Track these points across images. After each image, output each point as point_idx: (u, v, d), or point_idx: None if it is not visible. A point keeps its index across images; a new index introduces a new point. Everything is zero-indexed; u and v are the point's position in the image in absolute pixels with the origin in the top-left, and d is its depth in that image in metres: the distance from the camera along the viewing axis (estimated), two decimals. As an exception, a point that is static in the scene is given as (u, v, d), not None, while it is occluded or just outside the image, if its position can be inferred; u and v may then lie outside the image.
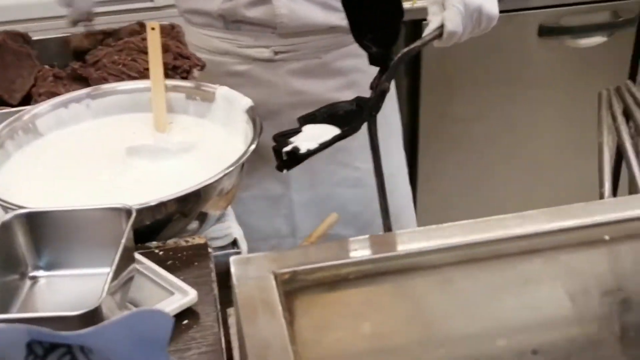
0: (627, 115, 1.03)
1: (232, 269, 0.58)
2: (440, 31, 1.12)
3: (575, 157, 2.48)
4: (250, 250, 1.15)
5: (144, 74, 1.12)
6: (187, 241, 0.81)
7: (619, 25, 2.26)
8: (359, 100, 1.04)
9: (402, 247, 0.53)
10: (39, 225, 0.70)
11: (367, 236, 0.63)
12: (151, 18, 1.97)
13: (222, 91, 1.02)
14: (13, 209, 0.78)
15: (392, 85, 1.45)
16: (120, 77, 1.12)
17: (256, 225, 1.38)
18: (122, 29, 1.28)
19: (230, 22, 1.31)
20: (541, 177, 2.48)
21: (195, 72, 1.13)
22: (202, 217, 0.88)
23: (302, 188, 1.38)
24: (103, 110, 1.05)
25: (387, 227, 1.18)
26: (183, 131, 1.02)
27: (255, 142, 0.89)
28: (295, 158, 0.91)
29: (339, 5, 1.33)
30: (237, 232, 0.92)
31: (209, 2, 1.31)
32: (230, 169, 0.85)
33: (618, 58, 2.31)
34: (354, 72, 1.36)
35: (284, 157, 0.91)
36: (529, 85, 2.32)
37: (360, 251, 0.53)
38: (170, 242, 0.81)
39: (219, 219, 0.93)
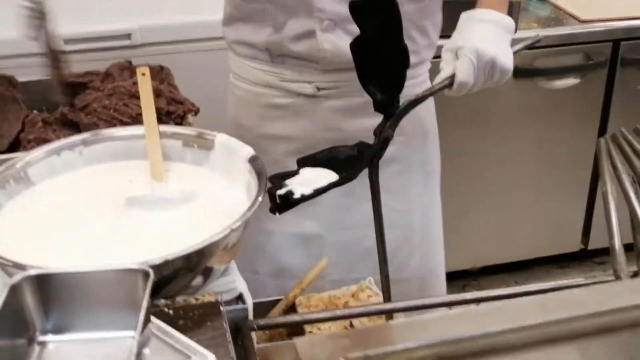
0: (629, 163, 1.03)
1: (301, 355, 0.54)
2: (451, 80, 1.12)
3: (547, 196, 2.51)
4: (278, 288, 1.13)
5: (137, 119, 1.10)
6: (197, 299, 0.78)
7: (591, 68, 2.31)
8: (360, 146, 1.03)
9: (481, 326, 0.50)
10: (48, 287, 0.66)
11: (438, 314, 0.61)
12: (130, 56, 1.94)
13: (222, 139, 0.99)
14: (7, 265, 0.75)
15: (435, 127, 1.46)
16: (111, 122, 1.09)
17: (287, 263, 1.37)
18: (111, 66, 1.26)
19: (276, 55, 1.34)
20: (514, 214, 2.50)
21: (190, 118, 1.11)
22: (207, 272, 0.85)
23: (335, 228, 1.38)
24: (96, 157, 1.02)
25: (385, 274, 1.17)
26: (181, 179, 0.99)
27: (262, 195, 0.86)
28: (288, 202, 0.90)
29: None
30: (241, 285, 0.90)
31: (257, 34, 1.34)
32: (238, 223, 0.82)
33: (590, 99, 2.35)
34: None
35: (277, 201, 0.90)
36: (503, 125, 2.34)
37: (433, 331, 0.50)
38: (180, 300, 0.78)
39: (223, 273, 0.90)
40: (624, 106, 2.40)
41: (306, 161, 0.98)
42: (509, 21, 1.18)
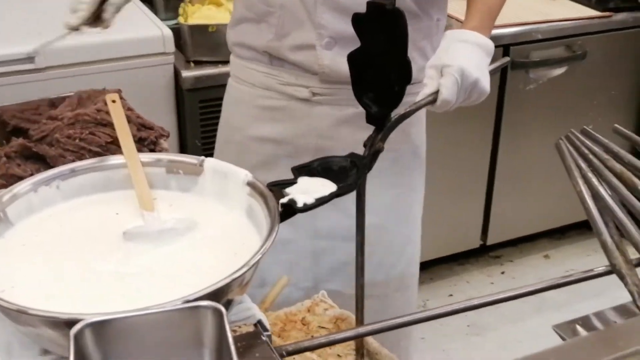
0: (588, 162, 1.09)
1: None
2: (434, 97, 1.14)
3: (447, 196, 2.60)
4: (250, 296, 1.09)
5: (106, 148, 1.04)
6: (234, 331, 0.76)
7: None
8: (353, 156, 1.03)
9: None
10: (109, 333, 0.62)
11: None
12: (34, 80, 1.85)
13: (211, 163, 0.97)
14: (21, 311, 0.70)
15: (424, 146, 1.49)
16: (79, 153, 1.03)
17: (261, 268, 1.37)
18: (56, 99, 1.19)
19: (275, 58, 1.36)
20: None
21: (164, 143, 1.07)
22: (228, 305, 0.82)
23: (308, 235, 1.38)
24: (75, 191, 0.96)
25: (360, 286, 1.18)
26: (172, 208, 0.95)
27: (277, 226, 0.84)
28: (292, 211, 0.89)
29: None
30: (257, 312, 0.87)
31: (258, 38, 1.37)
32: (258, 256, 0.80)
33: (484, 102, 2.46)
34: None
35: (280, 209, 0.88)
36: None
37: None
38: (221, 333, 0.75)
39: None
40: (515, 107, 2.54)
41: (301, 170, 0.97)
42: (491, 45, 1.23)
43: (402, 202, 1.49)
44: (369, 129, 1.35)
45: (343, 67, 1.30)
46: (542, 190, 2.75)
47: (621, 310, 1.06)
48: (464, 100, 1.17)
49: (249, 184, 0.93)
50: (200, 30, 2.02)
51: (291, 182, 0.92)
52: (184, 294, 0.71)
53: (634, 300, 0.88)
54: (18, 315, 0.72)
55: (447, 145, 2.48)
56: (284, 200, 0.88)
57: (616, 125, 1.18)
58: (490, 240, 2.76)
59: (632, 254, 0.96)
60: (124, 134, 1.00)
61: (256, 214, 0.91)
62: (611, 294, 1.26)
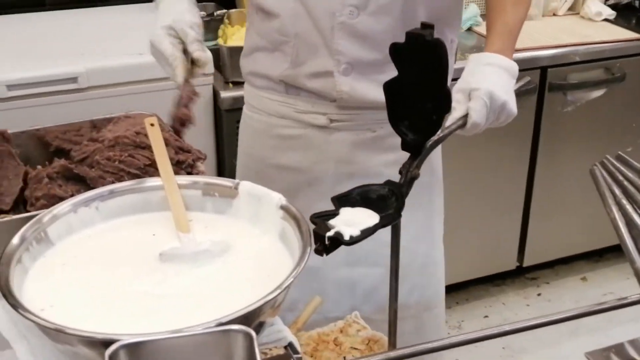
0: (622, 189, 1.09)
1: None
2: (464, 121, 1.14)
3: (484, 217, 2.58)
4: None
5: (145, 171, 1.07)
6: (265, 353, 0.77)
7: (521, 93, 2.41)
8: (390, 184, 1.04)
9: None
10: (143, 354, 0.64)
11: None
12: (76, 100, 1.90)
13: (246, 186, 0.98)
14: (59, 330, 0.72)
15: (440, 166, 1.47)
16: (118, 174, 1.06)
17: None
18: (97, 120, 1.22)
19: (291, 87, 1.36)
20: (451, 238, 2.56)
21: (201, 166, 1.09)
22: (259, 327, 0.83)
23: (336, 264, 1.37)
24: (113, 212, 0.99)
25: (394, 311, 1.18)
26: (207, 229, 0.97)
27: (310, 249, 0.86)
28: (338, 244, 0.89)
29: None
30: (289, 334, 0.89)
31: (273, 67, 1.36)
32: (290, 280, 0.81)
33: (521, 123, 2.46)
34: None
35: (327, 242, 0.89)
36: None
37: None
38: (252, 356, 0.76)
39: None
40: (552, 128, 2.52)
41: (342, 200, 0.97)
42: (516, 68, 1.22)
43: (426, 223, 1.49)
44: (386, 153, 1.37)
45: (361, 92, 1.31)
46: (579, 212, 2.73)
47: (656, 338, 1.05)
48: (492, 123, 1.17)
49: (283, 207, 0.94)
50: (239, 51, 2.05)
51: (333, 213, 0.92)
52: (217, 316, 0.73)
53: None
54: (56, 334, 0.74)
55: (484, 167, 2.48)
56: (330, 233, 0.88)
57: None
58: (527, 262, 2.74)
59: (666, 282, 0.95)
60: (162, 157, 1.03)
61: (289, 237, 0.92)
62: (647, 320, 1.25)
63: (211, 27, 2.46)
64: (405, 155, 1.38)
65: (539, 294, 2.80)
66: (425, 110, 1.03)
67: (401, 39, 1.30)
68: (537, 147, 2.53)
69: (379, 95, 1.32)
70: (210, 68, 2.04)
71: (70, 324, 0.74)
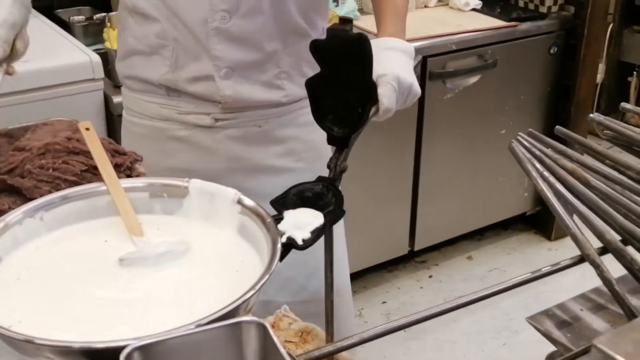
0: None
1: None
2: (377, 107, 1.17)
3: (374, 205, 2.66)
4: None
5: (82, 176, 1.03)
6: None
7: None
8: (323, 180, 1.05)
9: None
10: (156, 355, 0.62)
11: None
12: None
13: (197, 185, 0.97)
14: (57, 346, 0.69)
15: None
16: (54, 182, 1.01)
17: None
18: (12, 130, 1.16)
19: (172, 90, 1.33)
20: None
21: (140, 167, 1.06)
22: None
23: (295, 293, 1.40)
24: (58, 221, 0.94)
25: (330, 302, 1.20)
26: (160, 231, 0.95)
27: (279, 241, 0.86)
28: (290, 249, 0.90)
29: (281, 83, 1.34)
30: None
31: (151, 72, 1.34)
32: (266, 277, 0.80)
33: (404, 112, 2.54)
34: (293, 140, 1.40)
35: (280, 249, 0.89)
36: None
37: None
38: None
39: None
40: (434, 116, 2.63)
41: (281, 203, 0.97)
42: (412, 49, 1.27)
43: None
44: (275, 145, 1.39)
45: (245, 94, 1.32)
46: (461, 194, 2.86)
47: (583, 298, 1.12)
48: (401, 105, 1.20)
49: (240, 201, 0.94)
50: (129, 54, 2.00)
51: (278, 218, 0.92)
52: (196, 317, 0.71)
53: (612, 286, 0.95)
54: (37, 349, 0.70)
55: (372, 157, 2.54)
56: (282, 239, 0.88)
57: (558, 126, 1.26)
58: (418, 246, 2.84)
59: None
60: (103, 161, 0.99)
61: (250, 231, 0.92)
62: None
63: (90, 31, 2.38)
64: (293, 145, 1.42)
65: (430, 276, 2.91)
66: (350, 103, 1.05)
67: (277, 36, 1.33)
68: (421, 134, 2.63)
69: (263, 95, 1.35)
70: (99, 73, 1.98)
71: (48, 337, 0.71)
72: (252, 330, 0.64)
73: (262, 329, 0.63)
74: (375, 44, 1.24)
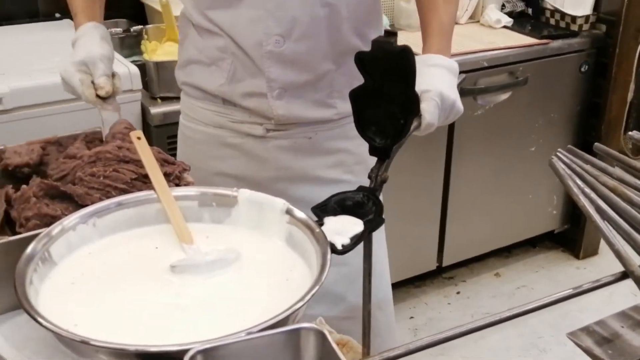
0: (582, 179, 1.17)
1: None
2: (418, 122, 1.18)
3: (403, 220, 2.65)
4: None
5: (132, 184, 1.05)
6: None
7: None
8: (364, 190, 1.07)
9: None
10: (218, 359, 0.64)
11: None
12: (2, 121, 1.82)
13: (246, 194, 0.99)
14: (116, 349, 0.71)
15: None
16: (105, 190, 1.03)
17: None
18: (61, 138, 1.19)
19: (227, 100, 1.36)
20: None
21: (188, 177, 1.08)
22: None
23: (331, 304, 1.37)
24: (110, 228, 0.97)
25: (368, 313, 1.20)
26: (209, 240, 0.97)
27: (329, 252, 0.87)
28: (332, 254, 0.91)
29: (333, 102, 1.36)
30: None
31: (209, 82, 1.37)
32: (316, 287, 0.81)
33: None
34: (342, 153, 1.42)
35: None
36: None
37: None
38: None
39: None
40: (465, 132, 2.63)
41: (322, 210, 0.99)
42: (456, 66, 1.26)
43: None
44: (323, 156, 1.41)
45: (296, 112, 1.35)
46: (490, 211, 2.86)
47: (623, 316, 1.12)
48: (443, 121, 1.21)
49: (288, 211, 0.95)
50: (166, 66, 2.03)
51: (319, 224, 0.93)
52: (248, 324, 0.72)
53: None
54: (96, 351, 0.72)
55: (402, 172, 2.55)
56: None
57: (597, 144, 1.27)
58: (446, 262, 2.84)
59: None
60: (154, 170, 1.02)
61: (298, 241, 0.93)
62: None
63: (127, 43, 2.42)
64: (342, 157, 1.43)
65: (457, 292, 2.91)
66: (393, 115, 1.06)
67: (330, 57, 1.35)
68: (451, 150, 2.64)
69: (315, 113, 1.37)
70: (137, 84, 2.01)
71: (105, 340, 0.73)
72: (311, 337, 0.65)
73: (321, 336, 0.65)
74: (421, 60, 1.24)
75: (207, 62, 1.38)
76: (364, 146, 1.39)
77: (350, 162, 1.44)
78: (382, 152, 1.09)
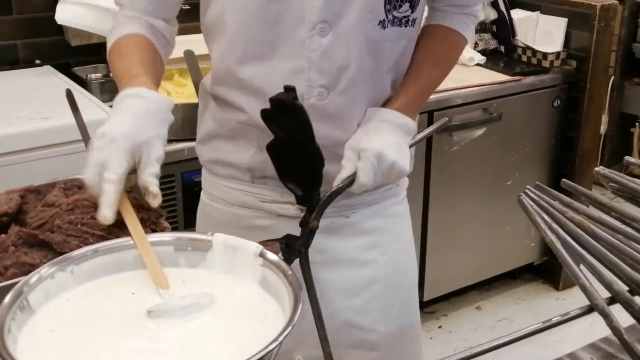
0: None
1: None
2: (352, 179, 1.17)
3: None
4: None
5: (109, 231, 1.07)
6: None
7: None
8: (288, 238, 1.09)
9: None
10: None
11: None
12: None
13: (220, 238, 1.01)
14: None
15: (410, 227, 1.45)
16: (82, 237, 1.06)
17: None
18: (40, 186, 1.21)
19: (258, 176, 1.29)
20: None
21: (164, 222, 1.11)
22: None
23: (314, 347, 1.28)
24: (87, 274, 0.98)
25: (328, 353, 1.20)
26: (185, 284, 0.99)
27: (301, 298, 0.89)
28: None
29: None
30: None
31: (240, 154, 1.29)
32: (289, 328, 0.83)
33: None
34: (380, 232, 1.36)
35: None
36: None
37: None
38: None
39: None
40: (442, 168, 2.68)
41: None
42: (413, 126, 1.26)
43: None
44: (361, 237, 1.36)
45: (334, 175, 1.21)
46: (469, 245, 2.90)
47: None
48: (382, 181, 1.19)
49: (261, 254, 0.98)
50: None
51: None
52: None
53: (621, 335, 0.98)
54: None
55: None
56: None
57: (564, 180, 1.31)
58: (427, 297, 2.86)
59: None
60: (130, 216, 1.04)
61: (271, 283, 0.96)
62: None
63: (106, 88, 2.46)
64: (380, 237, 1.39)
65: (439, 327, 2.93)
66: (305, 166, 1.08)
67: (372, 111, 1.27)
68: (429, 186, 2.68)
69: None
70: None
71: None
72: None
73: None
74: (373, 114, 1.24)
75: (230, 135, 1.30)
76: (402, 225, 1.39)
77: (388, 241, 1.37)
78: (306, 201, 1.11)
